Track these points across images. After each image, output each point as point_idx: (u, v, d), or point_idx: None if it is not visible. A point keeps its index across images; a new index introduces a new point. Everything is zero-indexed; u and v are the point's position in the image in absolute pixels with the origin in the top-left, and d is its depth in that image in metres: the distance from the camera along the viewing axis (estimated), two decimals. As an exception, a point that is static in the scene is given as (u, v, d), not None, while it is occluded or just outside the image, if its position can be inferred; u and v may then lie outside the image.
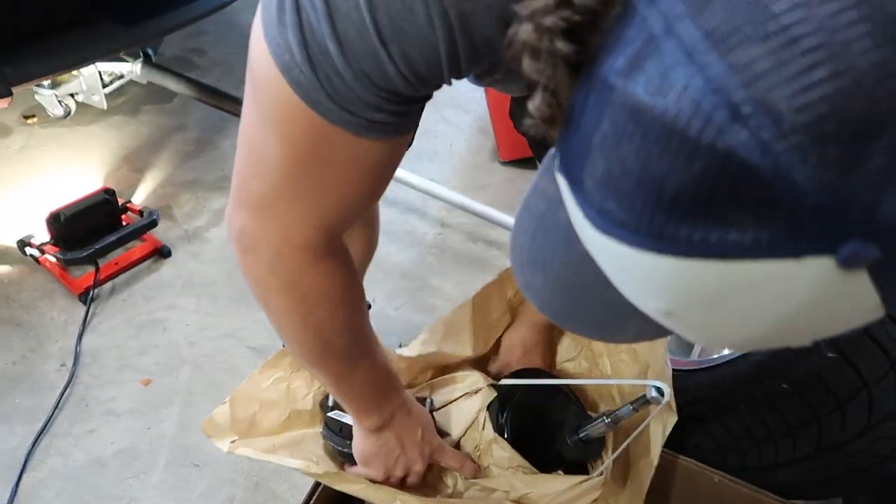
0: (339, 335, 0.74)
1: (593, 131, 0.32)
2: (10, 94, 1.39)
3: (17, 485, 1.21)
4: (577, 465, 0.95)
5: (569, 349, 1.12)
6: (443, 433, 0.95)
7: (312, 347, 0.74)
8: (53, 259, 1.55)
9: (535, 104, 0.35)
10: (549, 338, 1.10)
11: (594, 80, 0.32)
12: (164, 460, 1.28)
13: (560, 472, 0.93)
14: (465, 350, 1.03)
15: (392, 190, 1.62)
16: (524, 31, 0.34)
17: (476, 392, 0.97)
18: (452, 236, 1.83)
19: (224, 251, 1.72)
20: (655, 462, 0.89)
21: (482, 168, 2.09)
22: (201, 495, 1.23)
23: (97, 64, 1.88)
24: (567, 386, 1.01)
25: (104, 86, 1.96)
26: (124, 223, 1.66)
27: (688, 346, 1.21)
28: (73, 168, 1.88)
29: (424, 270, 1.72)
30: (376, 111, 0.51)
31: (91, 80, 1.93)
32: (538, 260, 0.42)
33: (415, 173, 1.80)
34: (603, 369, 1.06)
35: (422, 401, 0.95)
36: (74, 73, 1.89)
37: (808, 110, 0.26)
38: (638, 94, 0.30)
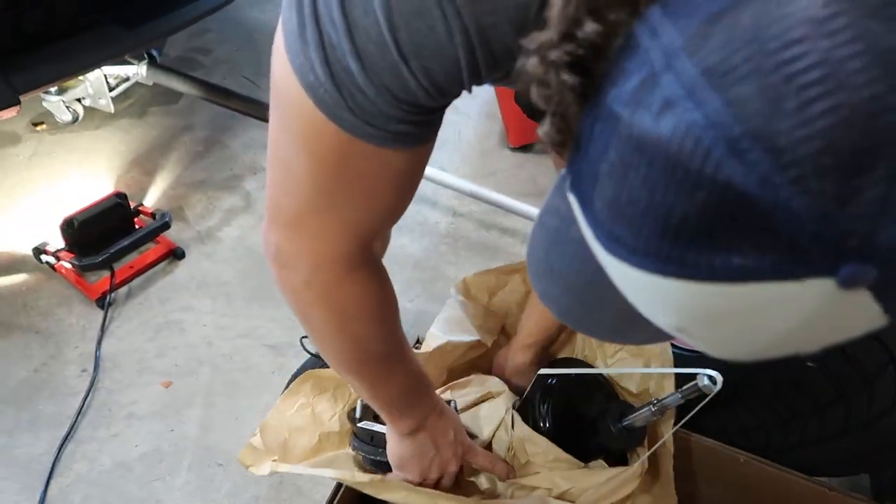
0: (377, 343, 0.75)
1: (600, 159, 0.33)
2: (18, 102, 1.39)
3: (44, 491, 1.22)
4: (617, 454, 0.95)
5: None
6: (471, 435, 0.95)
7: (351, 356, 0.76)
8: (69, 265, 1.55)
9: (544, 130, 0.37)
10: (544, 357, 1.09)
11: (600, 109, 0.33)
12: (187, 461, 1.29)
13: (601, 461, 0.92)
14: (473, 334, 1.04)
15: (402, 181, 1.62)
16: (531, 65, 0.35)
17: (499, 394, 0.97)
18: (464, 225, 1.82)
19: (237, 251, 1.72)
20: (672, 449, 0.89)
21: (491, 154, 2.07)
22: (227, 495, 1.24)
23: (102, 68, 1.88)
24: (602, 375, 1.00)
25: (110, 89, 1.97)
26: (137, 226, 1.66)
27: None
28: (83, 173, 1.89)
29: (438, 260, 1.71)
30: (399, 123, 0.52)
31: (97, 84, 1.93)
32: (554, 271, 0.43)
33: (424, 163, 1.79)
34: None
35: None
36: (80, 78, 1.89)
37: (805, 144, 0.27)
38: (642, 125, 0.31)
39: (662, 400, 0.85)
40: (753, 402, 1.02)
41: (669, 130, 0.30)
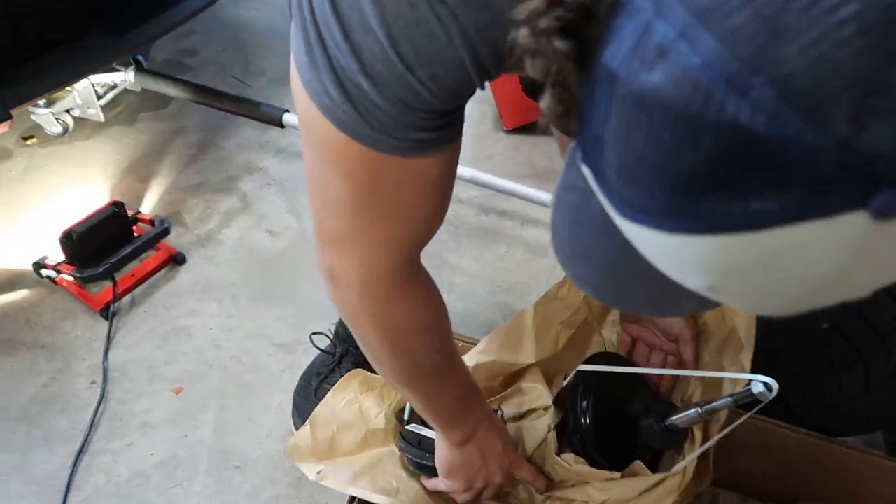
0: (429, 356, 0.76)
1: (604, 123, 0.32)
2: (9, 117, 1.38)
3: (63, 506, 1.22)
4: (655, 454, 0.94)
5: None
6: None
7: (405, 370, 0.77)
8: (70, 278, 1.54)
9: (546, 103, 0.36)
10: None
11: (598, 72, 0.32)
12: (204, 466, 1.28)
13: (638, 461, 0.91)
14: (528, 357, 0.99)
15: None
16: (522, 36, 0.34)
17: (546, 410, 0.97)
18: (464, 210, 1.81)
19: (238, 252, 1.71)
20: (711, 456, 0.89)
21: (486, 138, 2.06)
22: (246, 497, 1.23)
23: (90, 77, 1.86)
24: (642, 374, 0.98)
25: (99, 98, 1.94)
26: (136, 234, 1.65)
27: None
28: (78, 184, 1.87)
29: (440, 248, 1.70)
30: (419, 130, 0.53)
31: (85, 93, 1.91)
32: (580, 251, 0.42)
33: (420, 151, 1.78)
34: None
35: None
36: (68, 88, 1.87)
37: (811, 68, 0.25)
38: (639, 79, 0.30)
39: (712, 403, 0.81)
40: (773, 368, 1.01)
41: (666, 78, 0.28)
